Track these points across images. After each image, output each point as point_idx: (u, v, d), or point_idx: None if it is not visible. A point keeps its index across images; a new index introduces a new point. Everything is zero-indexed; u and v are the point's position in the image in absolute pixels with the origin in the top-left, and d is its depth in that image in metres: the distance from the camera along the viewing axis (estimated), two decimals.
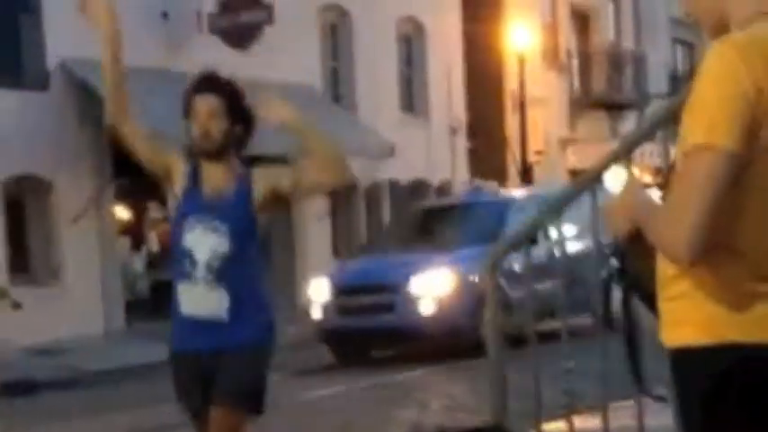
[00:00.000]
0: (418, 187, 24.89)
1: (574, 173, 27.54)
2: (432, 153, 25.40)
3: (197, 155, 4.94)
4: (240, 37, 20.24)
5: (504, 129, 28.52)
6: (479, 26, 27.04)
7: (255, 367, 4.89)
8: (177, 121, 5.08)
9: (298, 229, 22.64)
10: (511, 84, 27.91)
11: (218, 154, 4.88)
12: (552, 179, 25.73)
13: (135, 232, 22.82)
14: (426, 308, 14.54)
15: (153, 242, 23.02)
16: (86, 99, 18.46)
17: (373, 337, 14.96)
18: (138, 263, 22.44)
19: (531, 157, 27.52)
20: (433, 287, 14.62)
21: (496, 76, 28.33)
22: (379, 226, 23.07)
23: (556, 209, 5.64)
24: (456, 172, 26.10)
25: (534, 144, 27.97)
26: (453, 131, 26.56)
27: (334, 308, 15.01)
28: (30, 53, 18.56)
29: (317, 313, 15.27)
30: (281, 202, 5.13)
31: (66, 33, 18.29)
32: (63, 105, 18.51)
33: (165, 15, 19.73)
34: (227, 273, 4.80)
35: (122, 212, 21.74)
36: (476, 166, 26.94)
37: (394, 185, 24.30)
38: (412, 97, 26.16)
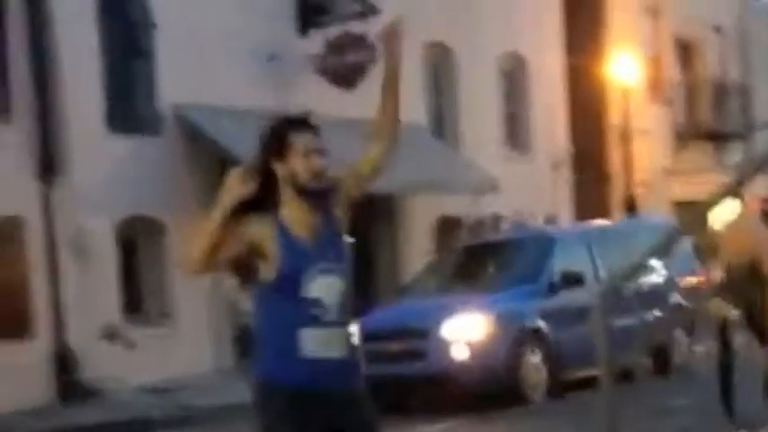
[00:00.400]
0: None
1: (678, 204, 27.27)
2: (535, 187, 25.31)
3: (299, 193, 4.84)
4: (346, 77, 20.44)
5: (607, 162, 28.35)
6: (582, 60, 26.97)
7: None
8: None
9: (402, 267, 22.70)
10: (614, 116, 27.76)
11: (322, 192, 4.86)
12: (656, 211, 25.49)
13: (243, 271, 23.08)
14: (459, 354, 13.72)
15: None
16: (197, 143, 18.82)
17: (403, 384, 14.06)
18: (246, 301, 22.69)
19: (635, 190, 27.31)
20: (466, 332, 13.79)
21: (600, 109, 28.19)
22: None
23: (667, 243, 5.65)
24: (559, 206, 25.98)
25: (638, 176, 27.76)
26: (556, 165, 26.46)
27: (361, 354, 13.82)
28: (143, 98, 18.94)
29: None
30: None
31: (178, 78, 18.71)
32: (175, 149, 18.83)
33: (272, 57, 20.05)
34: (346, 311, 4.84)
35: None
36: (579, 200, 26.81)
37: (497, 220, 24.24)
38: (515, 132, 26.11)
